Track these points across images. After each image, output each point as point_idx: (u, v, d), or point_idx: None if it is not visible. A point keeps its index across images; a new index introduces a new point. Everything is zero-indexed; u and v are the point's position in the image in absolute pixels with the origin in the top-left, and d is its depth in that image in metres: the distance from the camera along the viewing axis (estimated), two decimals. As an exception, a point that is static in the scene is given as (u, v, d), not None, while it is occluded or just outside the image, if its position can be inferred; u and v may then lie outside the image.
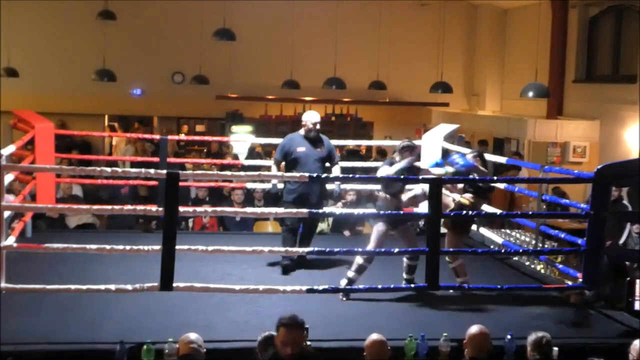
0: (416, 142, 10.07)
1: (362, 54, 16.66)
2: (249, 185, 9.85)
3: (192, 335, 4.54)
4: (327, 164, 7.52)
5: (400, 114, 18.02)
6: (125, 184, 9.83)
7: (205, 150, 16.43)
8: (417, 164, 6.75)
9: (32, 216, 8.03)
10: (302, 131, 7.45)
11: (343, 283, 6.37)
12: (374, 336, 4.62)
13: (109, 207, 6.23)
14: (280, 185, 7.52)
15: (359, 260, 6.43)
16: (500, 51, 17.70)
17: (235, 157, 13.83)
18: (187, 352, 4.48)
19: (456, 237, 6.53)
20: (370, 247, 6.41)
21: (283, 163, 7.51)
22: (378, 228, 6.49)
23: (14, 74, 14.43)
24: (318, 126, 7.39)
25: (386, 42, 16.35)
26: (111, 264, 6.79)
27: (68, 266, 6.75)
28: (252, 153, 14.26)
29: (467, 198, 6.52)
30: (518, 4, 16.57)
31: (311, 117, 7.42)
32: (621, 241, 8.91)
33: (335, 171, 7.50)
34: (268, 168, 12.00)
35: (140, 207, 6.21)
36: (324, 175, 6.68)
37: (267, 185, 10.39)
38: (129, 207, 6.18)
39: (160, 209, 5.57)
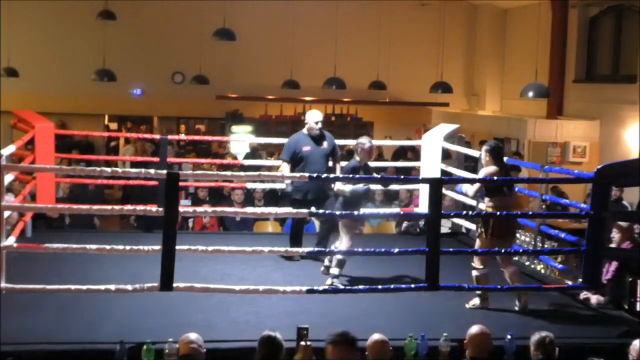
0: (416, 142, 10.13)
1: (362, 54, 16.67)
2: (249, 185, 9.85)
3: (192, 335, 4.54)
4: (330, 161, 7.68)
5: (400, 114, 18.02)
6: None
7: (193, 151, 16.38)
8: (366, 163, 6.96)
9: (32, 216, 8.03)
10: (305, 130, 7.66)
11: (329, 282, 6.53)
12: (376, 336, 4.62)
13: (109, 207, 6.22)
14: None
15: (338, 256, 6.60)
16: (500, 51, 17.71)
17: (234, 157, 13.83)
18: (187, 352, 4.48)
19: (497, 243, 6.29)
20: (347, 244, 6.61)
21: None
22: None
23: (14, 74, 14.44)
24: (320, 124, 7.61)
25: (386, 42, 16.35)
26: (111, 264, 6.79)
27: (68, 266, 6.74)
28: (255, 153, 14.23)
29: (488, 205, 6.46)
30: (518, 4, 16.57)
31: (312, 117, 7.66)
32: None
33: (338, 167, 7.70)
34: (268, 168, 12.05)
35: (140, 207, 6.20)
36: (324, 175, 6.68)
37: (267, 185, 10.43)
38: (129, 207, 6.18)
39: (161, 209, 5.57)
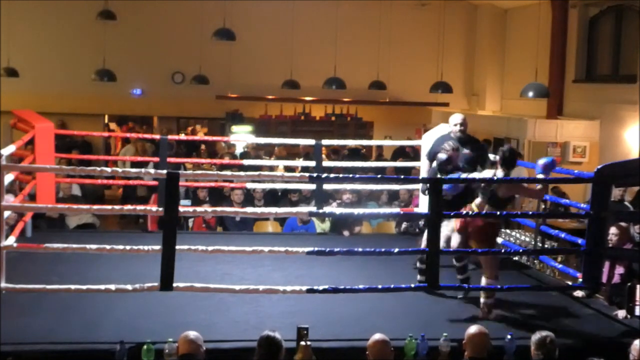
0: (416, 142, 10.13)
1: (362, 54, 16.67)
2: (249, 185, 9.85)
3: (192, 334, 4.53)
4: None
5: (400, 114, 18.02)
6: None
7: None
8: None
9: (32, 216, 8.03)
10: (451, 132, 7.34)
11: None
12: (377, 336, 4.61)
13: (109, 207, 6.22)
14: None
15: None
16: (500, 51, 17.70)
17: (234, 157, 13.85)
18: (187, 351, 4.47)
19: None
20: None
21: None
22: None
23: (14, 74, 14.44)
24: (459, 127, 7.23)
25: (386, 42, 16.35)
26: (111, 264, 6.79)
27: (68, 266, 6.75)
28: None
29: (476, 204, 6.36)
30: (518, 4, 16.57)
31: (452, 119, 7.35)
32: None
33: (484, 174, 6.74)
34: (269, 168, 12.03)
35: (140, 207, 6.20)
36: (324, 175, 6.66)
37: (267, 185, 10.43)
38: (129, 207, 6.18)
39: (161, 209, 5.57)
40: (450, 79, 14.84)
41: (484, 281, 6.10)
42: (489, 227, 6.09)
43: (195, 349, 4.47)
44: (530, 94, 11.41)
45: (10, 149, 6.80)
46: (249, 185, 9.84)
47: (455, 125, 7.27)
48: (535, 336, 4.62)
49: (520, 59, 16.17)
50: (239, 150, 14.99)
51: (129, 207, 6.17)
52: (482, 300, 6.06)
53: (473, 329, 4.68)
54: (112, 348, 4.91)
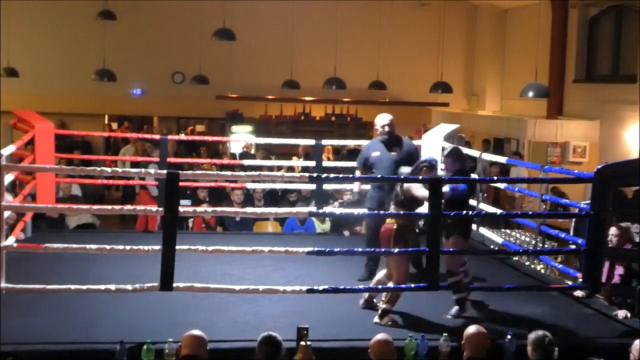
0: (416, 142, 10.13)
1: (362, 54, 16.68)
2: (249, 186, 9.85)
3: (197, 334, 4.51)
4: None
5: (400, 114, 17.92)
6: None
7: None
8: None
9: (32, 216, 8.03)
10: (378, 135, 7.25)
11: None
12: (379, 336, 4.60)
13: (109, 207, 6.22)
14: (364, 188, 7.35)
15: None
16: (500, 51, 17.72)
17: (234, 156, 13.86)
18: (191, 352, 4.45)
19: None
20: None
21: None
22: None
23: (14, 74, 14.44)
24: (387, 128, 7.10)
25: (386, 42, 16.36)
26: (111, 264, 6.79)
27: (68, 266, 6.75)
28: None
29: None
30: (518, 4, 16.58)
31: (378, 120, 7.20)
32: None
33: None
34: (269, 168, 12.02)
35: (140, 207, 6.20)
36: (324, 175, 6.66)
37: (267, 185, 10.44)
38: (129, 207, 6.18)
39: (161, 209, 5.57)
40: (450, 79, 14.85)
41: (390, 284, 5.94)
42: (397, 229, 5.92)
43: (200, 350, 4.43)
44: (530, 94, 11.41)
45: (10, 149, 6.80)
46: (249, 186, 9.85)
47: (383, 127, 7.09)
48: (532, 335, 4.54)
49: (520, 59, 16.19)
50: (235, 150, 14.98)
51: (129, 207, 6.17)
52: (380, 304, 5.79)
53: (472, 329, 4.67)
54: (112, 348, 4.91)
